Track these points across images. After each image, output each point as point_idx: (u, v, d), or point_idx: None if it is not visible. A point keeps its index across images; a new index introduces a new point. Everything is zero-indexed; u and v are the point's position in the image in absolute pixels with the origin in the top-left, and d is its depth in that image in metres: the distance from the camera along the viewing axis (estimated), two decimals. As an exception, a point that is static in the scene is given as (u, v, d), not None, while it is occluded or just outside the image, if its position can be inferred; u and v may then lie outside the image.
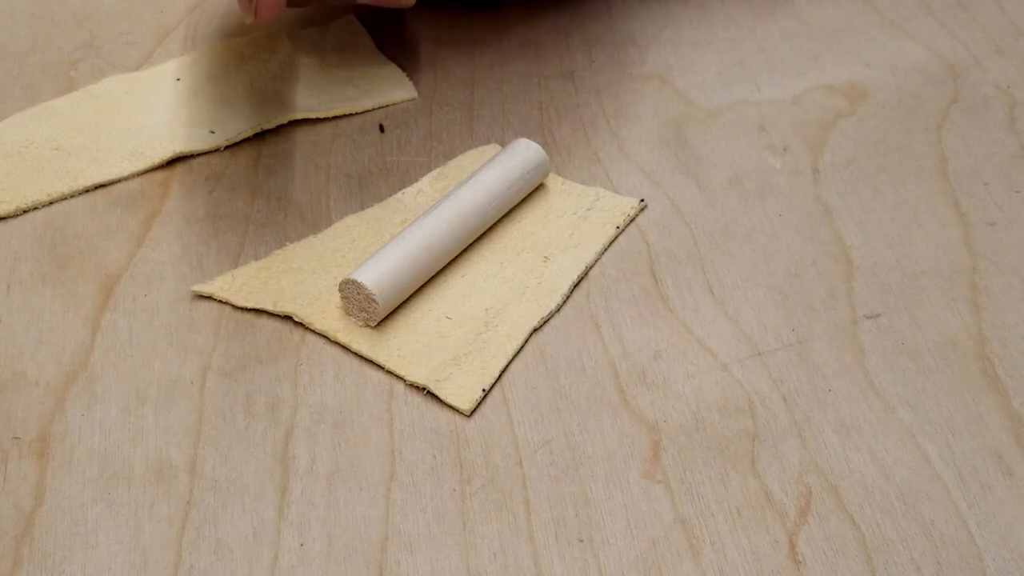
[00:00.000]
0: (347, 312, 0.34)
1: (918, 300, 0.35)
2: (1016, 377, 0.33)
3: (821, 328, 0.34)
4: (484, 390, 0.32)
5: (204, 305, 0.35)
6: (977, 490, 0.30)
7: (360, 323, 0.34)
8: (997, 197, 0.38)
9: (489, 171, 0.37)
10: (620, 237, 0.37)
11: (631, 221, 0.37)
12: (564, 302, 0.35)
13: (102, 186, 0.39)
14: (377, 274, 0.33)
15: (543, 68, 0.44)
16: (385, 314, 0.34)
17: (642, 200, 0.38)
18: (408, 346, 0.34)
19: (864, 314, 0.34)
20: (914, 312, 0.34)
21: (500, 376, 0.33)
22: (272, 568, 0.29)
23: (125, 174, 0.39)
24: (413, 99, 0.43)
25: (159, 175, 0.40)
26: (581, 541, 0.29)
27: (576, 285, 0.36)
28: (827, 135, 0.40)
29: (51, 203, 0.39)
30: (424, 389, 0.33)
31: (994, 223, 0.37)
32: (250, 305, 0.35)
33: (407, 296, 0.34)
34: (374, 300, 0.33)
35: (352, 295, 0.34)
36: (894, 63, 0.43)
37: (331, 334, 0.34)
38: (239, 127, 0.41)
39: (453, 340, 0.34)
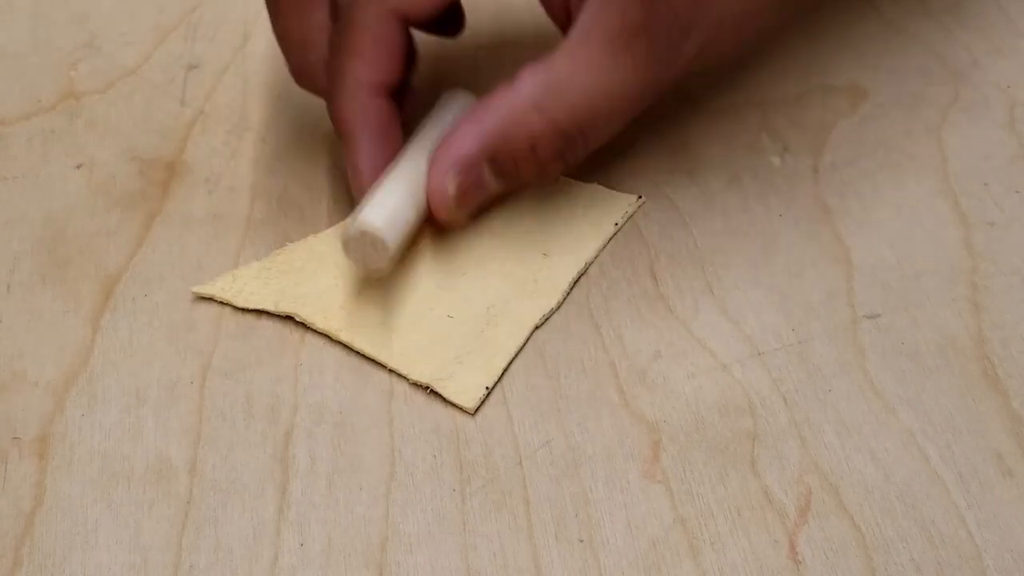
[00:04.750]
0: (354, 263, 0.33)
1: (918, 300, 0.35)
2: (1016, 377, 0.32)
3: (821, 328, 0.34)
4: (487, 388, 0.32)
5: (204, 306, 0.35)
6: (977, 490, 0.30)
7: (371, 270, 0.33)
8: (997, 197, 0.38)
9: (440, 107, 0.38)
10: (620, 237, 0.37)
11: (629, 218, 0.37)
12: (564, 299, 0.35)
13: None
14: (385, 211, 0.33)
15: (543, 68, 0.44)
16: (397, 256, 0.33)
17: (640, 196, 0.38)
18: (410, 345, 0.34)
19: (864, 314, 0.34)
20: (914, 312, 0.34)
21: (502, 375, 0.33)
22: (272, 568, 0.29)
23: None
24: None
25: (159, 175, 0.40)
26: (581, 541, 0.29)
27: (576, 282, 0.36)
28: (827, 135, 0.40)
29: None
30: (427, 388, 0.33)
31: (994, 223, 0.37)
32: (251, 306, 0.35)
33: (414, 231, 0.34)
34: (382, 239, 0.32)
35: (357, 248, 0.33)
36: (894, 63, 0.43)
37: (333, 333, 0.34)
38: (239, 127, 0.41)
39: (455, 338, 0.34)
